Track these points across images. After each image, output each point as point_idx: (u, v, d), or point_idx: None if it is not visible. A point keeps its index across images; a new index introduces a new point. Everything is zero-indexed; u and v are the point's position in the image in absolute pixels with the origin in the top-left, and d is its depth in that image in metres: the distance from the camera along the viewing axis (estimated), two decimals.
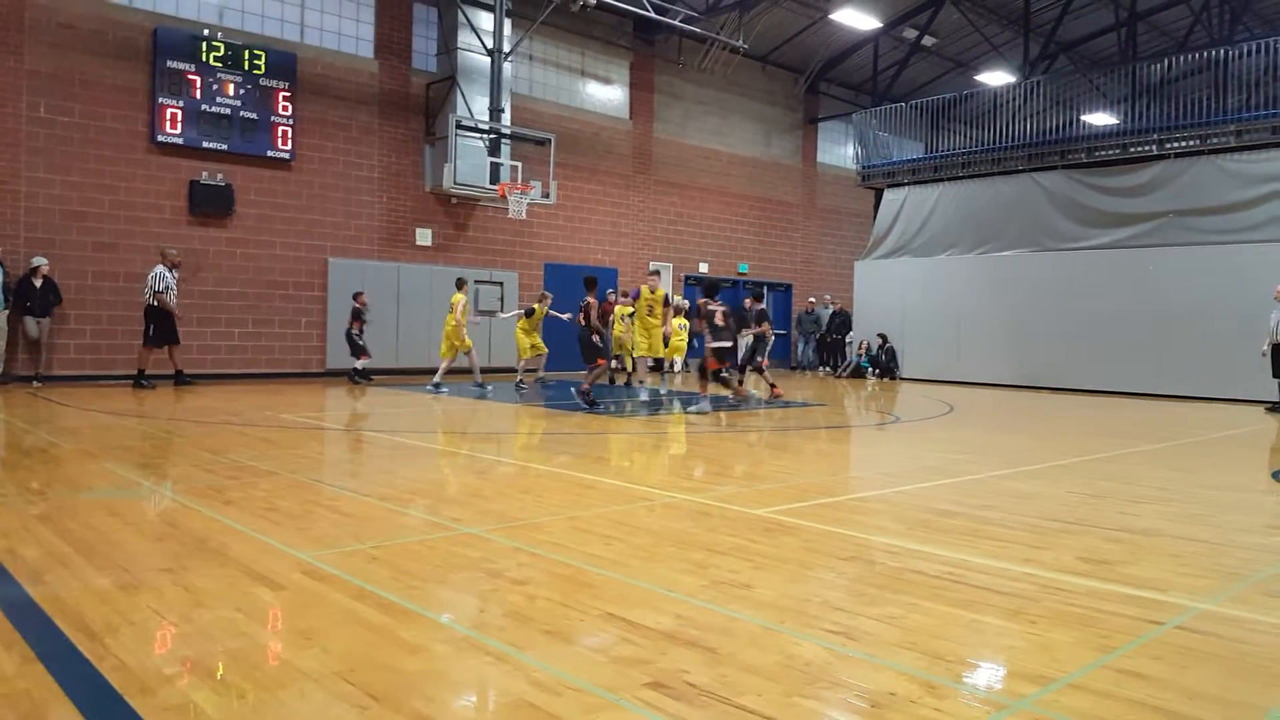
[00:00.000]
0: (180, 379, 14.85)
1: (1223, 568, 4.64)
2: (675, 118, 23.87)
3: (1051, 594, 4.07)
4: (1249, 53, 17.79)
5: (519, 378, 16.28)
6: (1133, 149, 18.62)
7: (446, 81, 18.64)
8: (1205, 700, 2.89)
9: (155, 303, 14.37)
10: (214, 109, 16.01)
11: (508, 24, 18.83)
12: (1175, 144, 18.03)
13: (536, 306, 16.24)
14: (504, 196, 18.09)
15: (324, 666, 3.04)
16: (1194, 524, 5.72)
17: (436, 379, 15.08)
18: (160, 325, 14.49)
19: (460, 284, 15.38)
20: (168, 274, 14.53)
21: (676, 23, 20.84)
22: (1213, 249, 16.96)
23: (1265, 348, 14.25)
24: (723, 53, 22.84)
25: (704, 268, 24.27)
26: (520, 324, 16.33)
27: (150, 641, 3.29)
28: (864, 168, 23.58)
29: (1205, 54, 19.04)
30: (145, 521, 5.18)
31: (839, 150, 28.40)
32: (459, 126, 17.76)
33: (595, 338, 12.94)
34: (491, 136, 18.44)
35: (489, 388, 15.29)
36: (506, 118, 18.74)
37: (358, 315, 16.38)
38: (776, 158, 26.52)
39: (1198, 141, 17.78)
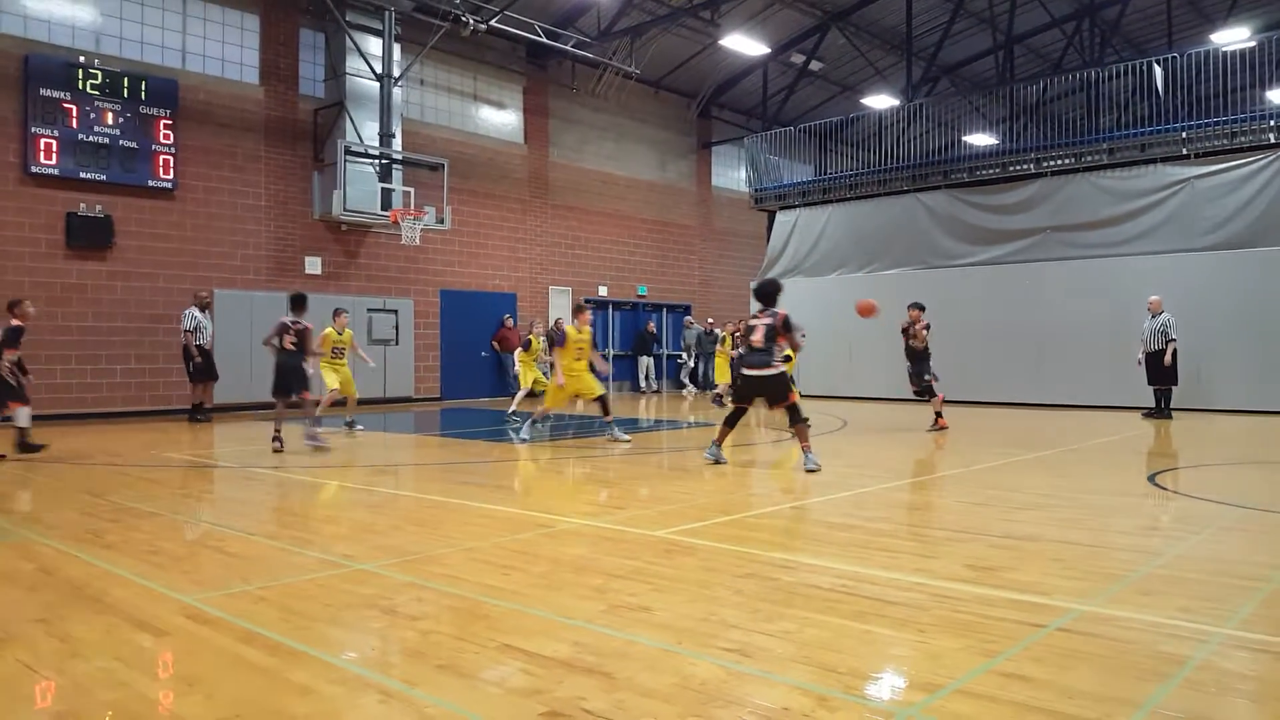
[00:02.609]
0: (199, 412, 15.17)
1: (1101, 570, 4.83)
2: (571, 142, 23.93)
3: (940, 602, 4.17)
4: (1117, 74, 18.73)
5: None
6: (1011, 168, 19.38)
7: (335, 107, 18.32)
8: (1084, 698, 3.00)
9: (185, 343, 15.06)
10: (92, 138, 15.41)
11: (397, 49, 18.64)
12: (1051, 162, 18.83)
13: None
14: (396, 223, 17.85)
15: (209, 713, 2.93)
16: (1074, 528, 5.95)
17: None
18: (197, 362, 15.06)
19: (336, 314, 13.51)
20: (198, 314, 15.11)
21: (569, 48, 20.99)
22: (1088, 262, 17.72)
23: (1140, 356, 14.93)
24: (616, 78, 23.04)
25: (603, 290, 24.33)
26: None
27: (20, 698, 3.13)
28: (756, 190, 24.00)
29: (1078, 76, 19.97)
30: (16, 570, 4.93)
31: (732, 174, 28.84)
32: (348, 153, 17.47)
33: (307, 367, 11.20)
34: (382, 162, 18.18)
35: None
36: (397, 143, 18.53)
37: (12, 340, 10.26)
38: (672, 181, 26.80)
39: (1073, 160, 18.61)
